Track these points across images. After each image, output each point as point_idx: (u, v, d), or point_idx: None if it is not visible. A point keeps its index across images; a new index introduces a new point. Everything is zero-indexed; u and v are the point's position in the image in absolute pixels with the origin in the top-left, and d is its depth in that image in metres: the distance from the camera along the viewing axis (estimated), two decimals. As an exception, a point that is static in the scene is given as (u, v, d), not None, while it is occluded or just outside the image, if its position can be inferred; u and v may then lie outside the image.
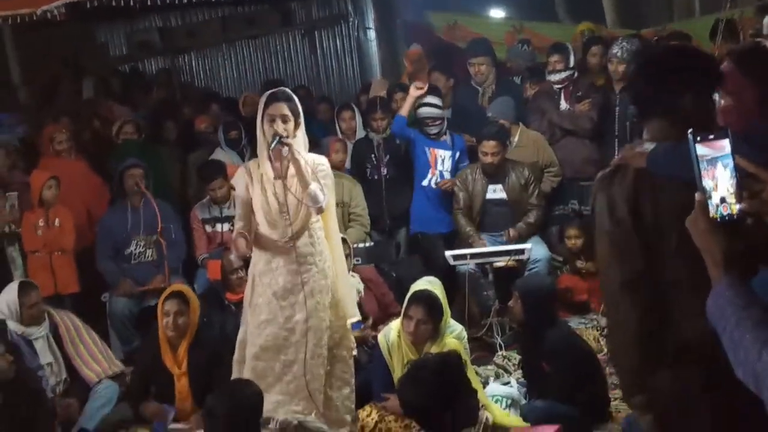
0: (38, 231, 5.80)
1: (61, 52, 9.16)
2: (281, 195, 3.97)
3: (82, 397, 4.79)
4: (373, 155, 6.23)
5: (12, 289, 4.83)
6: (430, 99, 6.10)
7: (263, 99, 3.98)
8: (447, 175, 6.08)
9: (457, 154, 6.16)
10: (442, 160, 6.11)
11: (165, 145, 7.14)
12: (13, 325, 4.73)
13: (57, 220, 5.88)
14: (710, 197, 1.45)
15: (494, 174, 5.78)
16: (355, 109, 6.83)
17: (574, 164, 6.07)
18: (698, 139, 1.47)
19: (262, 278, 4.06)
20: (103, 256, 5.91)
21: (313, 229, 4.03)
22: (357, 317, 4.36)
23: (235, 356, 4.18)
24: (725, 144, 1.46)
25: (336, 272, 4.16)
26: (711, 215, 1.45)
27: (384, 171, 6.17)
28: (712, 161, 1.46)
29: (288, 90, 4.10)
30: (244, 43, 10.61)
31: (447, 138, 6.17)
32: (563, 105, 6.23)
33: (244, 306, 4.20)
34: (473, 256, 5.46)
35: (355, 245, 5.44)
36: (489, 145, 5.71)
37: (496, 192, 5.81)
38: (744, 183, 1.46)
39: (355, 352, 4.35)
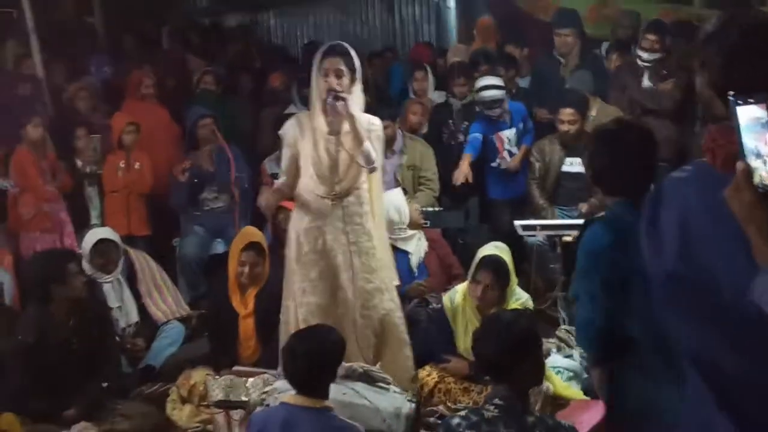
0: (119, 172, 5.95)
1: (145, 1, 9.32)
2: (333, 151, 3.94)
3: (150, 336, 4.92)
4: (450, 121, 6.15)
5: (90, 239, 4.93)
6: (490, 80, 5.85)
7: (319, 53, 3.95)
8: (515, 150, 5.96)
9: (520, 125, 6.00)
10: (508, 140, 5.97)
11: (239, 98, 7.21)
12: (85, 265, 4.86)
13: (137, 164, 6.02)
14: (765, 163, 1.29)
15: (572, 145, 5.61)
16: (428, 70, 6.75)
17: (652, 144, 5.91)
18: (739, 102, 1.32)
19: (306, 235, 4.02)
20: (177, 194, 5.92)
21: (361, 189, 4.01)
22: (395, 281, 4.29)
23: (282, 317, 4.16)
24: None
25: (378, 235, 4.11)
26: (755, 183, 1.28)
27: (460, 137, 6.06)
28: (767, 125, 1.30)
29: (345, 44, 4.03)
30: (323, 3, 10.63)
31: (507, 116, 5.95)
32: (646, 82, 6.04)
33: (289, 263, 4.12)
34: (543, 227, 5.38)
35: (423, 209, 5.43)
36: (566, 113, 5.53)
37: (573, 165, 5.61)
38: None
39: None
